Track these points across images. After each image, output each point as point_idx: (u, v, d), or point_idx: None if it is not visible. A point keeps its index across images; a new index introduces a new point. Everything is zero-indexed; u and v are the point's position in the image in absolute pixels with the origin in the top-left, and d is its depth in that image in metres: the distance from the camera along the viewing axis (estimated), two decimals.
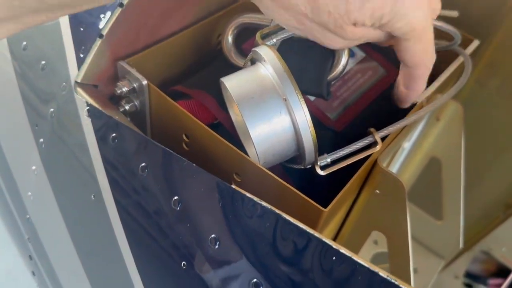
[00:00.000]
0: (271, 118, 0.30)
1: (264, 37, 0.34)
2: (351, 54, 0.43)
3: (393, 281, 0.23)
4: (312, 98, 0.39)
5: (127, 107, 0.40)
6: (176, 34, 0.42)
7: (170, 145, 0.33)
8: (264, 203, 0.28)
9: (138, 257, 0.37)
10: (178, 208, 0.32)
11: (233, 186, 0.29)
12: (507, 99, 0.56)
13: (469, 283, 0.71)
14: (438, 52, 0.33)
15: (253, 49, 0.33)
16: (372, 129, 0.34)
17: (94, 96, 0.38)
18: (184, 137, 0.37)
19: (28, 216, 0.53)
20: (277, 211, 0.28)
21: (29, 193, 0.51)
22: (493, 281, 0.69)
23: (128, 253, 0.37)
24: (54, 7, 0.23)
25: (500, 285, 0.65)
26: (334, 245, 0.25)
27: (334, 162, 0.32)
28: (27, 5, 0.22)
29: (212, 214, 0.31)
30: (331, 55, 0.37)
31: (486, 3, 0.50)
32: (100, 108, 0.37)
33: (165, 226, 0.34)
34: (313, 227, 0.27)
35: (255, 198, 0.28)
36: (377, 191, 0.37)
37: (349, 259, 0.24)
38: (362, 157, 0.33)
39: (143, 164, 0.35)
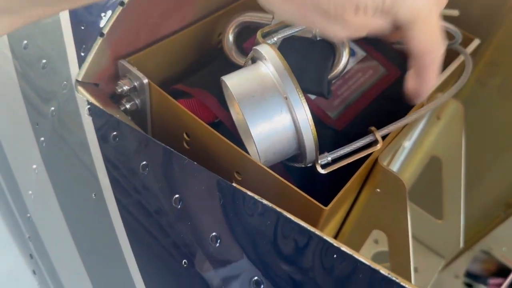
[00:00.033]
0: (272, 116, 0.30)
1: (265, 35, 0.34)
2: (352, 53, 0.43)
3: (394, 278, 0.23)
4: (312, 97, 0.39)
5: (128, 106, 0.40)
6: (177, 33, 0.42)
7: (171, 143, 0.34)
8: (265, 201, 0.28)
9: (139, 255, 0.37)
10: (179, 206, 0.32)
11: (234, 184, 0.30)
12: (507, 98, 0.56)
13: (469, 283, 0.71)
14: None
15: (254, 47, 0.33)
16: (372, 128, 0.34)
17: (95, 95, 0.38)
18: (185, 135, 0.37)
19: (28, 215, 0.53)
20: (278, 209, 0.28)
21: (30, 192, 0.51)
22: (493, 281, 0.69)
23: (129, 251, 0.38)
24: (53, 1, 0.23)
25: (501, 284, 0.65)
26: (335, 243, 0.25)
27: (334, 161, 0.32)
28: None
29: (213, 212, 0.31)
30: (331, 54, 0.37)
31: (487, 2, 0.50)
32: (101, 107, 0.37)
33: (166, 225, 0.34)
34: (314, 225, 0.27)
35: (256, 196, 0.28)
36: (378, 190, 0.37)
37: (350, 257, 0.24)
38: (362, 155, 0.33)
39: (144, 162, 0.35)
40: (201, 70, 0.44)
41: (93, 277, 0.46)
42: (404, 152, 0.56)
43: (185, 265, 0.32)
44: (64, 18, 0.40)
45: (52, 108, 0.42)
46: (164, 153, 0.33)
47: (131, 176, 0.36)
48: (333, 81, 0.39)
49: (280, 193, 0.31)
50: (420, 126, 0.53)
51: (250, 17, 0.42)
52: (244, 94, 0.30)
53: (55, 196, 0.45)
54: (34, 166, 0.47)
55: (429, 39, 0.29)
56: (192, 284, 0.33)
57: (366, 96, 0.41)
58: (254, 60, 0.34)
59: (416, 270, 0.65)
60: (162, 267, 0.35)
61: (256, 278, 0.28)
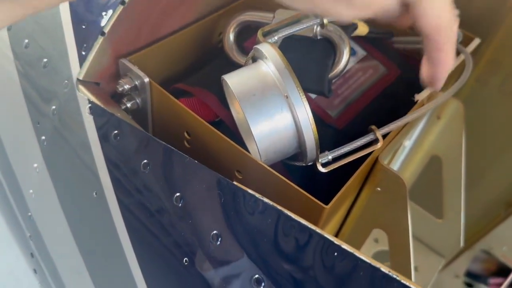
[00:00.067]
0: (273, 115, 0.30)
1: (266, 34, 0.34)
2: (352, 52, 0.43)
3: (395, 276, 0.23)
4: (313, 96, 0.39)
5: (128, 105, 0.40)
6: (178, 32, 0.43)
7: (171, 142, 0.34)
8: (265, 199, 0.28)
9: (140, 254, 0.37)
10: (180, 204, 0.33)
11: (235, 183, 0.30)
12: (508, 98, 0.56)
13: (469, 282, 0.71)
14: None
15: (255, 46, 0.33)
16: (373, 127, 0.34)
17: (96, 94, 0.38)
18: (186, 134, 0.37)
19: (29, 213, 0.53)
20: (279, 207, 0.28)
21: (31, 191, 0.51)
22: (493, 280, 0.69)
23: (130, 249, 0.38)
24: None
25: (501, 284, 0.65)
26: (336, 241, 0.25)
27: (335, 160, 0.32)
28: None
29: (214, 211, 0.31)
30: (332, 53, 0.37)
31: (487, 2, 0.50)
32: (102, 106, 0.37)
33: (167, 223, 0.34)
34: (315, 224, 0.27)
35: (257, 195, 0.29)
36: (378, 189, 0.37)
37: (351, 254, 0.25)
38: (363, 154, 0.33)
39: (145, 161, 0.35)
40: (202, 69, 0.44)
41: (94, 275, 0.46)
42: (404, 151, 0.56)
43: (186, 263, 0.33)
44: (65, 17, 0.40)
45: (53, 107, 0.42)
46: (165, 152, 0.34)
47: (132, 174, 0.36)
48: (334, 80, 0.39)
49: (280, 192, 0.31)
50: (421, 125, 0.53)
51: (250, 16, 0.42)
52: (245, 92, 0.31)
53: (56, 194, 0.45)
54: (35, 165, 0.47)
55: (440, 14, 0.27)
56: (193, 282, 0.33)
57: (367, 95, 0.41)
58: (254, 59, 0.34)
59: (416, 269, 0.65)
60: (163, 265, 0.35)
61: (256, 276, 0.28)
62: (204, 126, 0.34)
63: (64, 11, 0.40)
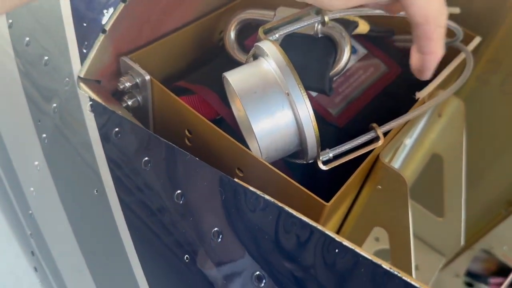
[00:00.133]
0: (274, 112, 0.30)
1: (267, 32, 0.34)
2: (353, 50, 0.43)
3: (396, 273, 0.23)
4: (314, 94, 0.39)
5: (129, 103, 0.40)
6: (179, 30, 0.43)
7: (172, 140, 0.34)
8: (267, 196, 0.28)
9: (141, 251, 0.37)
10: (181, 202, 0.33)
11: (236, 180, 0.30)
12: (508, 96, 0.56)
13: (470, 282, 0.71)
14: None
15: (256, 43, 0.33)
16: (374, 124, 0.34)
17: (97, 92, 0.38)
18: (187, 132, 0.37)
19: (30, 211, 0.53)
20: (280, 204, 0.28)
21: (32, 189, 0.51)
22: (494, 280, 0.69)
23: (131, 247, 0.38)
24: None
25: (501, 284, 0.65)
26: (337, 237, 0.25)
27: (336, 157, 0.32)
28: None
29: (215, 208, 0.31)
30: (333, 51, 0.37)
31: (487, 1, 0.50)
32: (103, 103, 0.37)
33: (168, 220, 0.34)
34: (315, 221, 0.27)
35: (258, 192, 0.29)
36: (379, 187, 0.37)
37: (352, 251, 0.25)
38: (364, 152, 0.33)
39: (146, 158, 0.35)
40: (202, 67, 0.44)
41: (95, 273, 0.46)
42: (405, 149, 0.56)
43: (187, 260, 0.33)
44: (66, 15, 0.40)
45: (54, 105, 0.42)
46: (166, 149, 0.34)
47: (133, 172, 0.36)
48: (335, 78, 0.40)
49: (281, 190, 0.31)
50: (421, 123, 0.53)
51: (251, 14, 0.42)
52: (246, 90, 0.30)
53: (57, 192, 0.46)
54: (36, 163, 0.47)
55: (429, 3, 0.27)
56: (194, 279, 0.33)
57: (368, 93, 0.41)
58: (255, 57, 0.34)
59: (417, 267, 0.65)
60: (164, 262, 0.35)
61: (258, 273, 0.28)
62: (205, 123, 0.35)
63: (65, 9, 0.40)
